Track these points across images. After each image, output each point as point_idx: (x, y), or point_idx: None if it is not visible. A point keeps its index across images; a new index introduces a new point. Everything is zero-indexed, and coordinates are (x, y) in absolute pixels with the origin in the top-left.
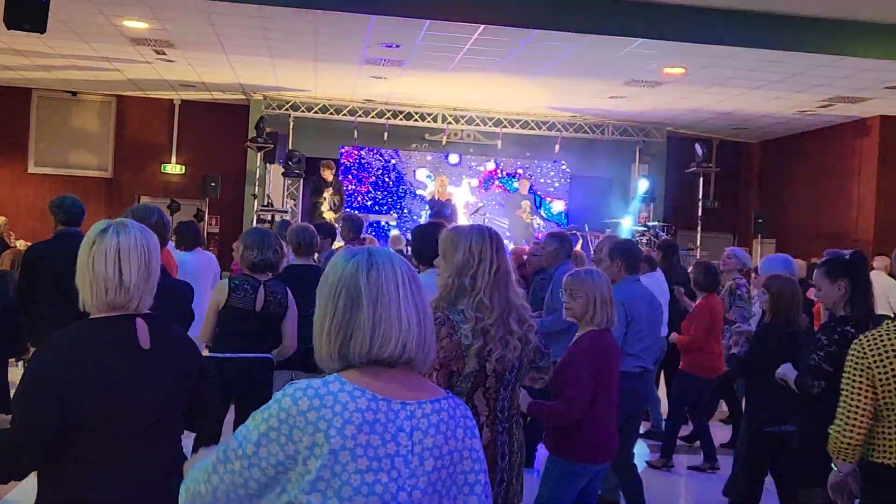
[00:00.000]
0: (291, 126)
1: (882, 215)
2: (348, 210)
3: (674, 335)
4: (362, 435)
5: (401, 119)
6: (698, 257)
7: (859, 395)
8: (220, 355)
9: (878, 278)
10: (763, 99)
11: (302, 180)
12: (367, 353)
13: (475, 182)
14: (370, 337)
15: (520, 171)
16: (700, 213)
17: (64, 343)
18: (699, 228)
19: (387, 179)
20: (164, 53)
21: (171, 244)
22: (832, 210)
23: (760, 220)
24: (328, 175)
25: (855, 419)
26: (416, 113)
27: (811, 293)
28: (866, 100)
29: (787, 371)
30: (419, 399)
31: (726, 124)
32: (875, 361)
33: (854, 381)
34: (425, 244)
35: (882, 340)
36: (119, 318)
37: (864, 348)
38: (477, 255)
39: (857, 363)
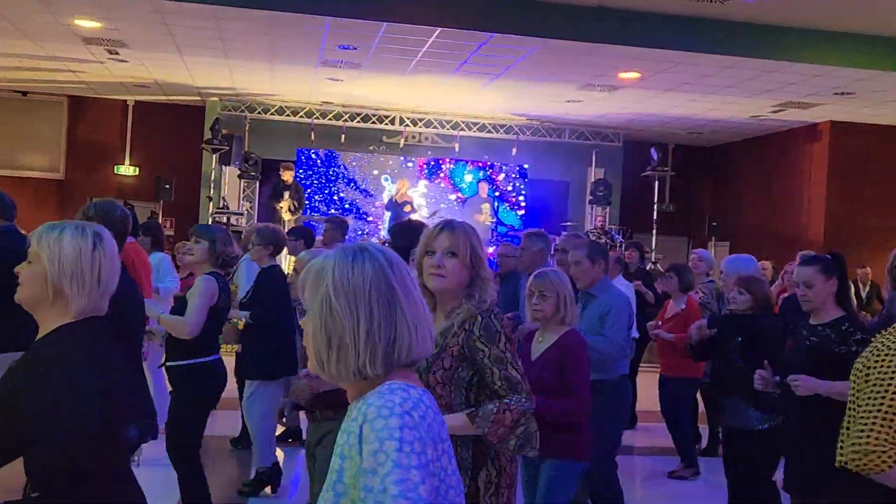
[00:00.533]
0: (247, 128)
1: (831, 218)
2: (329, 214)
3: (673, 336)
4: (437, 427)
5: (358, 121)
6: (654, 260)
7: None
8: (213, 358)
9: None
10: (717, 104)
11: (258, 182)
12: (409, 356)
13: (426, 186)
14: (415, 336)
15: (481, 172)
16: (655, 217)
17: (81, 347)
18: (654, 231)
19: (341, 182)
20: (117, 53)
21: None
22: (784, 213)
23: (715, 223)
24: (288, 177)
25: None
26: (374, 115)
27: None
28: (817, 105)
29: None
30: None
31: (681, 128)
32: None
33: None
34: (407, 241)
35: None
36: (103, 320)
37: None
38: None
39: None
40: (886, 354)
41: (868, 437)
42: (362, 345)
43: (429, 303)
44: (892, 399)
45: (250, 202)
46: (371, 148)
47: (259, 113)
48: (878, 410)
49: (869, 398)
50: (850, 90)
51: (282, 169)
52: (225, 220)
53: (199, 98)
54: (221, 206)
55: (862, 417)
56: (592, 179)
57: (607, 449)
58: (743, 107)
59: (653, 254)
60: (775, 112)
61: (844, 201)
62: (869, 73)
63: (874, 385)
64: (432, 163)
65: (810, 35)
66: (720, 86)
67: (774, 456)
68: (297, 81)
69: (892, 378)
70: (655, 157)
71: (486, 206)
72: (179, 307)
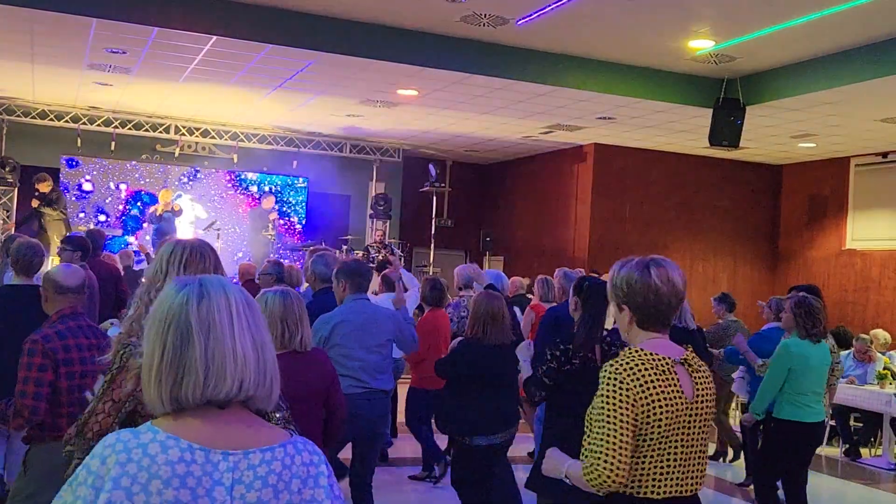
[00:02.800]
0: (5, 131)
1: (595, 235)
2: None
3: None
4: (170, 490)
5: (130, 128)
6: (430, 274)
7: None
8: None
9: None
10: (491, 123)
11: (16, 190)
12: (201, 395)
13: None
14: (204, 376)
15: (267, 187)
16: (434, 231)
17: None
18: (433, 245)
19: (111, 192)
20: None
21: None
22: (553, 229)
23: (489, 239)
24: (45, 188)
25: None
26: (147, 123)
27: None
28: (582, 128)
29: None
30: (246, 448)
31: (458, 146)
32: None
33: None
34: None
35: (637, 368)
36: None
37: (623, 376)
38: (164, 267)
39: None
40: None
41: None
42: (154, 380)
43: None
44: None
45: (7, 211)
46: (144, 157)
47: (19, 116)
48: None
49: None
50: (610, 115)
51: (36, 181)
52: None
53: None
54: None
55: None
56: (373, 193)
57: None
58: (515, 127)
59: (430, 267)
60: (545, 133)
61: (607, 219)
62: (627, 100)
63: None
64: (229, 176)
65: (576, 62)
66: (494, 106)
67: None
68: (62, 84)
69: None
70: (433, 172)
71: (273, 217)
72: None
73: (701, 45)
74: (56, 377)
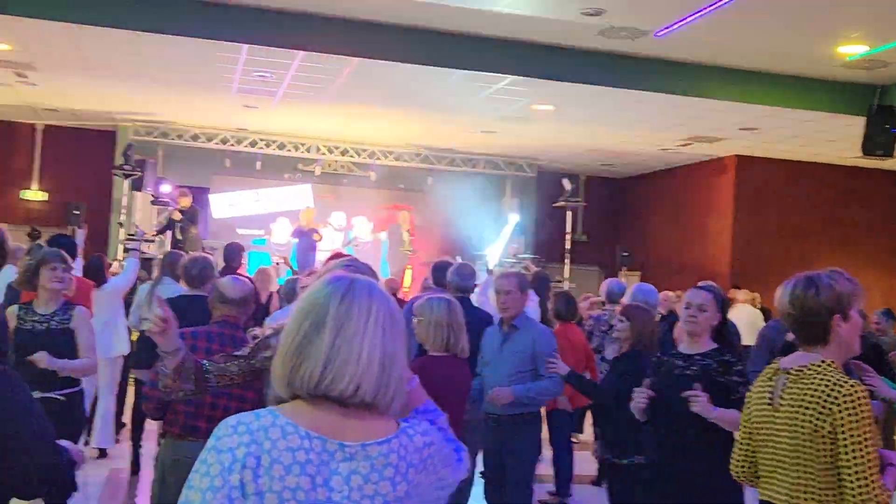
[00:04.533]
0: (161, 153)
1: (737, 249)
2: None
3: None
4: (291, 476)
5: (274, 149)
6: (566, 289)
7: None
8: None
9: (745, 310)
10: (627, 137)
11: (171, 209)
12: (314, 386)
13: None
14: (322, 368)
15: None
16: (568, 247)
17: None
18: (567, 261)
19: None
20: (26, 76)
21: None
22: (692, 244)
23: (626, 254)
24: (186, 203)
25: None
26: (290, 143)
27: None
28: (722, 140)
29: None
30: (363, 441)
31: (594, 160)
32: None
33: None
34: None
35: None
36: None
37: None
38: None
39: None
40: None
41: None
42: (280, 361)
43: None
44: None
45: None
46: (287, 176)
47: (173, 139)
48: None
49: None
50: (754, 126)
51: (180, 195)
52: (136, 246)
53: (111, 123)
54: (132, 232)
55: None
56: (506, 209)
57: None
58: (652, 140)
59: (566, 283)
60: (683, 145)
61: (749, 232)
62: (772, 109)
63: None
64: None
65: (717, 72)
66: (631, 119)
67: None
68: (213, 108)
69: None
70: (568, 187)
71: (407, 235)
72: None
73: (852, 50)
74: None
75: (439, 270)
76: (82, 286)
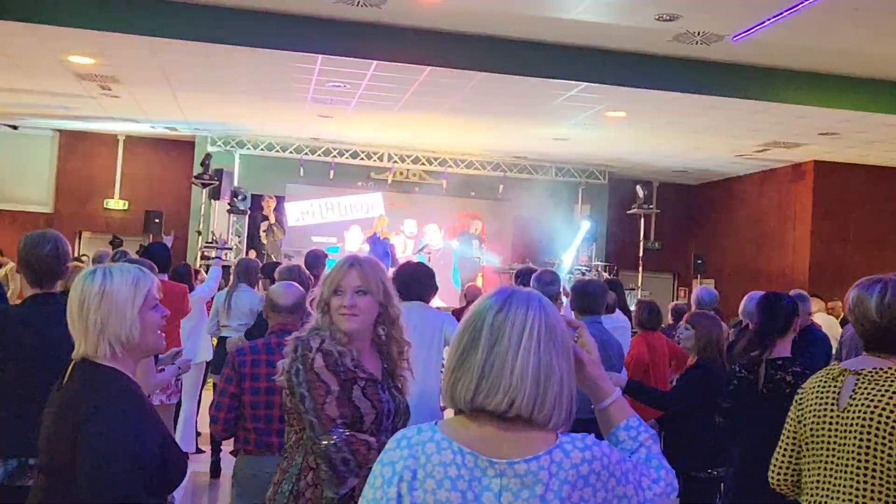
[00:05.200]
0: (237, 163)
1: (816, 257)
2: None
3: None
4: (442, 491)
5: (347, 157)
6: (640, 297)
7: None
8: None
9: (821, 318)
10: (702, 143)
11: (247, 217)
12: (470, 400)
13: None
14: (476, 383)
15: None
16: (641, 254)
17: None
18: (640, 269)
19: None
20: (110, 89)
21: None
22: (768, 251)
23: (700, 261)
24: (271, 203)
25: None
26: (363, 152)
27: None
28: (801, 145)
29: None
30: (511, 458)
31: (667, 166)
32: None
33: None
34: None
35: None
36: None
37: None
38: None
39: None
40: None
41: None
42: (445, 375)
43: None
44: None
45: (239, 236)
46: (360, 184)
47: (249, 148)
48: None
49: None
50: (834, 131)
51: (265, 199)
52: (213, 254)
53: (189, 133)
54: (210, 240)
55: None
56: (578, 216)
57: None
58: (727, 146)
59: (639, 290)
60: (760, 151)
61: (829, 240)
62: (853, 114)
63: None
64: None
65: (796, 76)
66: (705, 125)
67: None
68: (288, 118)
69: None
70: (641, 194)
71: (476, 242)
72: None
73: None
74: (240, 391)
75: (523, 277)
76: (175, 289)
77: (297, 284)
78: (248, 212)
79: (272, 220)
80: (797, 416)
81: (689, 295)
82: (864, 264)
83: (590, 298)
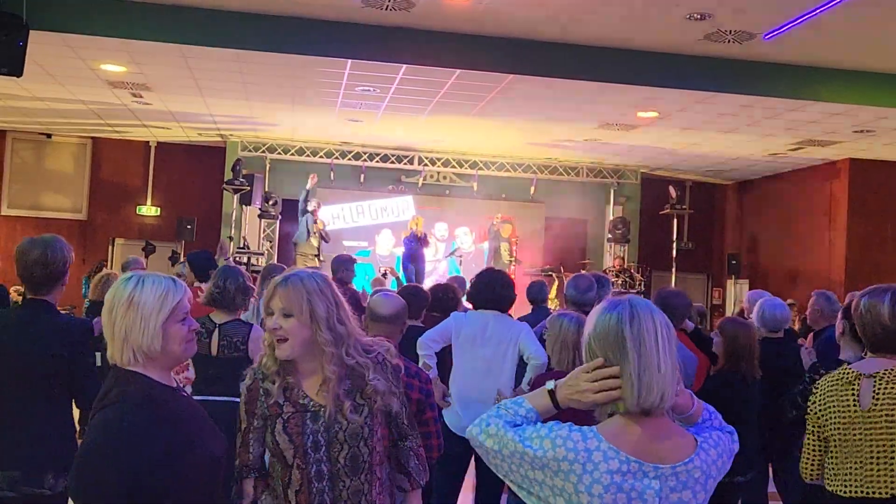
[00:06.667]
0: (268, 168)
1: (852, 256)
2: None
3: None
4: (609, 495)
5: (377, 161)
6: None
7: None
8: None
9: None
10: (735, 142)
11: (278, 222)
12: (635, 404)
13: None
14: (637, 387)
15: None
16: (675, 255)
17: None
18: (674, 269)
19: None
20: (141, 96)
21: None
22: (804, 251)
23: (734, 262)
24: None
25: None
26: (393, 155)
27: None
28: (836, 143)
29: None
30: (672, 462)
31: (699, 166)
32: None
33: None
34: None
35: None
36: None
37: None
38: None
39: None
40: None
41: None
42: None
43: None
44: None
45: (270, 242)
46: (390, 188)
47: (279, 153)
48: None
49: None
50: (869, 128)
51: (309, 196)
52: (245, 259)
53: (220, 139)
54: (242, 245)
55: None
56: (611, 217)
57: None
58: (761, 145)
59: None
60: (793, 150)
61: (864, 238)
62: (889, 111)
63: None
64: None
65: (829, 74)
66: (738, 124)
67: None
68: (318, 122)
69: None
70: (674, 194)
71: (505, 246)
72: None
73: None
74: None
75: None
76: None
77: (397, 294)
78: (280, 217)
79: (321, 225)
80: (818, 418)
81: (723, 296)
82: None
83: (671, 311)
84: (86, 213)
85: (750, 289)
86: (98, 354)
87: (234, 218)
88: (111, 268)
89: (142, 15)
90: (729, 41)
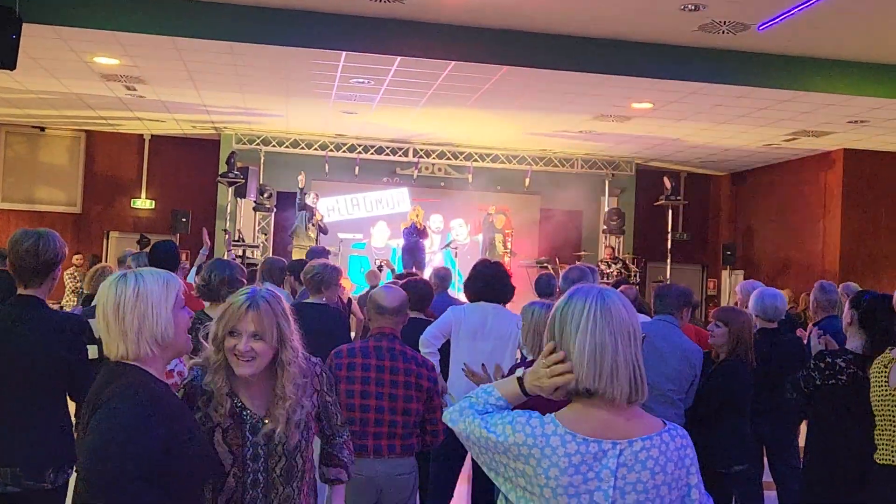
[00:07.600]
0: (262, 161)
1: (847, 246)
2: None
3: None
4: (565, 477)
5: (372, 153)
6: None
7: None
8: None
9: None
10: (729, 133)
11: (273, 215)
12: (585, 385)
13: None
14: (584, 369)
15: (500, 205)
16: (670, 246)
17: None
18: (669, 260)
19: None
20: (135, 89)
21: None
22: (799, 241)
23: (729, 252)
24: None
25: None
26: (388, 147)
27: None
28: (830, 133)
29: None
30: (630, 437)
31: (694, 157)
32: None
33: None
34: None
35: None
36: None
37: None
38: None
39: None
40: None
41: None
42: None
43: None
44: None
45: (265, 234)
46: (385, 180)
47: (274, 146)
48: None
49: None
50: (863, 118)
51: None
52: (240, 252)
53: (214, 132)
54: (237, 238)
55: None
56: (606, 208)
57: None
58: (755, 136)
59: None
60: (788, 141)
61: (859, 228)
62: (882, 101)
63: None
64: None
65: (823, 64)
66: (732, 115)
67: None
68: (312, 115)
69: None
70: (669, 185)
71: (500, 238)
72: None
73: None
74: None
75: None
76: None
77: (399, 287)
78: (275, 209)
79: (319, 217)
80: (870, 397)
81: (717, 287)
82: (894, 252)
83: (661, 300)
84: (80, 206)
85: (744, 279)
86: (94, 347)
87: (228, 211)
88: (106, 261)
89: (135, 7)
90: (723, 32)
